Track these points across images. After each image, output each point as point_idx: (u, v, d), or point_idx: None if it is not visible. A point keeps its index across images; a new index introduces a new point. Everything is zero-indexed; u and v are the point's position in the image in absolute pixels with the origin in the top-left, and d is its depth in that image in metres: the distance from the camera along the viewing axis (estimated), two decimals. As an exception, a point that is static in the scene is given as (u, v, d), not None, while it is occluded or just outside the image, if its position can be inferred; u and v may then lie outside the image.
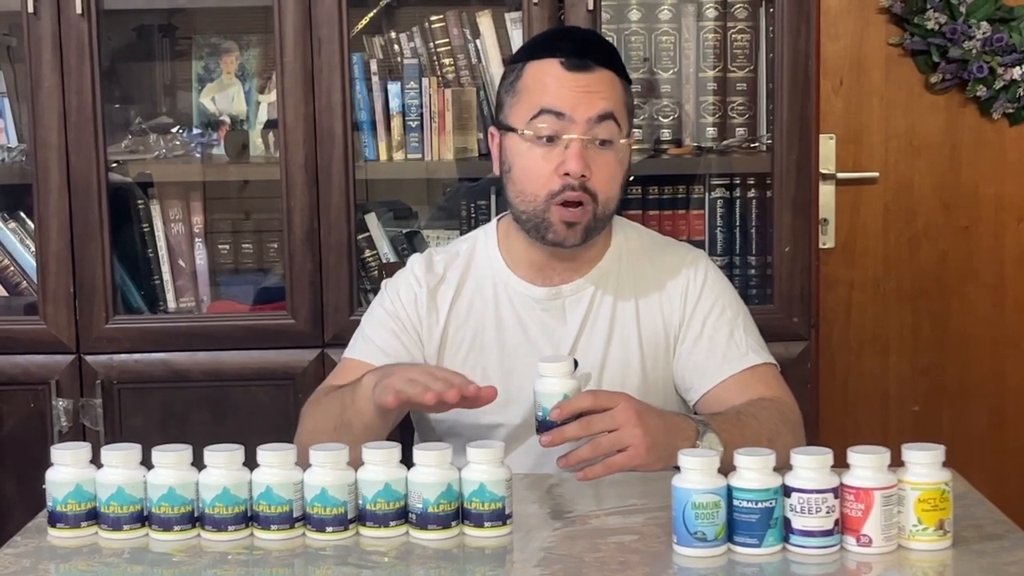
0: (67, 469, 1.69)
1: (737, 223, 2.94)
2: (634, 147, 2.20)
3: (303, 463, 1.69)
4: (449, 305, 2.14)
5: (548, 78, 2.05)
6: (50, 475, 1.70)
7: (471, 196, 2.93)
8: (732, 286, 2.22)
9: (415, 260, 2.21)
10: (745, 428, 1.93)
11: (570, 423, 1.80)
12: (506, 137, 2.10)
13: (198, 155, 2.96)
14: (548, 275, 2.13)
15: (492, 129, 2.16)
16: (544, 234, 2.06)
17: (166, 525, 1.66)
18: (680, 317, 2.14)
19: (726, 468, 1.61)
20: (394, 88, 2.87)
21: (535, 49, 2.13)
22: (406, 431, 2.26)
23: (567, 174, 2.02)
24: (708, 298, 2.15)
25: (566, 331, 2.12)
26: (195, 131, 2.97)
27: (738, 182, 2.94)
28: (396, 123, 2.88)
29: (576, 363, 1.98)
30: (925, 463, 1.60)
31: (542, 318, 2.12)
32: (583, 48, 2.08)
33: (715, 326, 2.12)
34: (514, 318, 2.13)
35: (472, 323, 2.14)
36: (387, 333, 2.14)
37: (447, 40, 2.90)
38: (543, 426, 1.82)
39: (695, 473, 1.58)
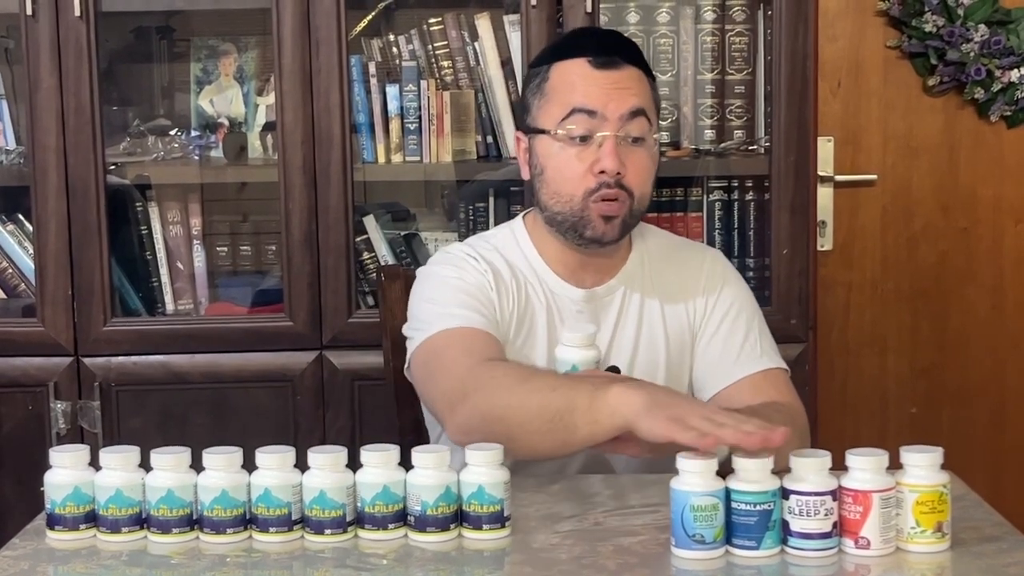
0: (65, 471, 1.68)
1: (735, 225, 2.94)
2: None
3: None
4: (508, 291, 2.09)
5: (576, 77, 2.04)
6: (48, 477, 1.70)
7: (470, 198, 2.93)
8: (748, 288, 2.21)
9: (458, 248, 2.14)
10: None
11: None
12: (536, 140, 2.08)
13: (196, 157, 2.96)
14: (581, 277, 2.11)
15: (518, 134, 2.14)
16: (583, 232, 2.04)
17: (165, 528, 1.66)
18: (701, 317, 2.14)
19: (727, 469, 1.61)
20: (392, 90, 2.87)
21: (559, 50, 2.11)
22: (403, 433, 2.26)
23: (602, 172, 2.01)
24: (726, 299, 2.14)
25: (599, 334, 2.09)
26: (193, 133, 2.97)
27: (736, 184, 2.94)
28: (394, 125, 2.88)
29: (617, 369, 2.06)
30: (923, 465, 1.60)
31: (577, 319, 2.10)
32: (609, 46, 2.07)
33: (731, 328, 2.12)
34: (557, 316, 2.10)
35: (528, 315, 2.10)
36: (475, 302, 2.05)
37: (445, 42, 2.90)
38: None
39: (693, 475, 1.58)
